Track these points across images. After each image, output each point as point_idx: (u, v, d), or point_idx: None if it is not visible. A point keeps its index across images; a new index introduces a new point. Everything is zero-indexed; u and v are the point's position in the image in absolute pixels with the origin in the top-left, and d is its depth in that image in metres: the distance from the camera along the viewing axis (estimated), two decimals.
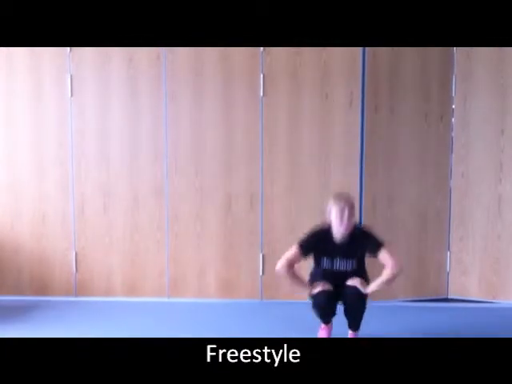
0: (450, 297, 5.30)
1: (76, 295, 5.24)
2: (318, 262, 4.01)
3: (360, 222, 4.06)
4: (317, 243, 3.95)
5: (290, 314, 4.79)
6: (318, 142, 5.01)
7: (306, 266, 4.14)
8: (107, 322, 4.63)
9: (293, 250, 3.94)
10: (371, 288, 3.85)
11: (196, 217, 5.12)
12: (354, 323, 3.97)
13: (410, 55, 5.03)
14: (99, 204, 5.15)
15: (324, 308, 3.94)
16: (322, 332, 4.09)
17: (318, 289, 3.89)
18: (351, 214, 3.82)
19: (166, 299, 5.19)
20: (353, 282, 3.85)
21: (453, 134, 5.19)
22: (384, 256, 3.83)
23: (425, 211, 5.19)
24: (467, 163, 5.16)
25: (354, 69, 4.95)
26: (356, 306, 3.87)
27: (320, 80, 4.96)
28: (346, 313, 3.95)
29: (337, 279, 3.90)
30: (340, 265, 3.91)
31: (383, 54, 4.98)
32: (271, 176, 5.05)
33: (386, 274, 3.82)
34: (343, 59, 4.94)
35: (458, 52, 5.11)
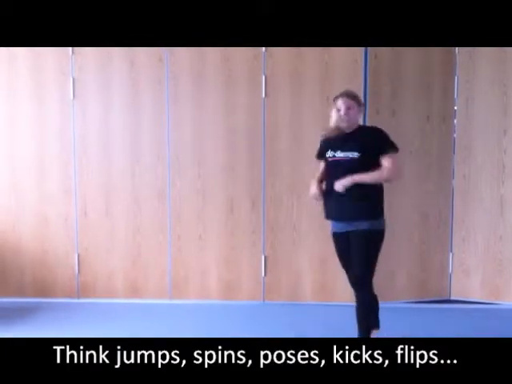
0: (452, 298, 5.29)
1: (78, 297, 5.24)
2: (325, 160, 3.92)
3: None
4: (326, 144, 3.89)
5: (292, 315, 4.79)
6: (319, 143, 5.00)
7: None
8: (109, 324, 4.63)
9: (320, 165, 3.97)
10: (355, 178, 3.63)
11: (198, 218, 5.12)
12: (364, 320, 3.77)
13: (411, 56, 5.03)
14: (101, 206, 5.16)
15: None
16: None
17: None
18: (353, 108, 3.74)
19: (168, 301, 5.19)
20: (340, 181, 3.68)
21: (455, 135, 5.19)
22: (388, 160, 3.66)
23: (427, 212, 5.19)
24: (469, 164, 5.15)
25: (355, 70, 4.95)
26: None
27: (322, 81, 4.96)
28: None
29: (338, 171, 3.73)
30: (341, 155, 3.75)
31: (385, 56, 4.98)
32: (273, 177, 5.05)
33: (378, 171, 3.65)
34: (345, 61, 4.94)
35: (460, 53, 5.10)
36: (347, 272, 3.86)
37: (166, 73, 5.02)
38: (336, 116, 3.77)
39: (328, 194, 3.82)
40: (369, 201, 3.73)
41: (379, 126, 3.81)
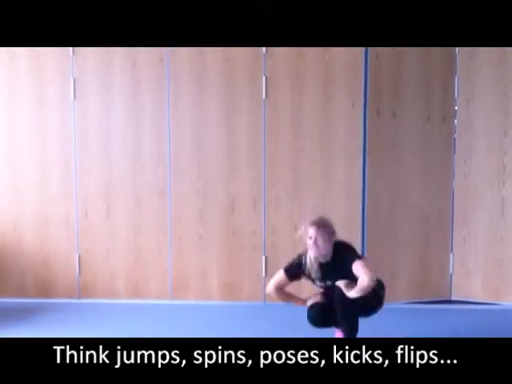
0: (452, 299, 5.28)
1: (79, 297, 5.25)
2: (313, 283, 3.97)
3: (334, 242, 3.81)
4: (302, 271, 3.88)
5: (293, 316, 4.77)
6: (320, 143, 5.01)
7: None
8: (110, 325, 4.62)
9: (280, 274, 3.92)
10: (351, 294, 3.66)
11: (199, 219, 5.13)
12: (343, 324, 3.83)
13: (412, 57, 5.03)
14: (102, 206, 5.16)
15: (316, 321, 3.91)
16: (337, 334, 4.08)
17: (311, 301, 3.91)
18: (323, 239, 3.72)
19: (168, 301, 5.20)
20: (339, 283, 3.73)
21: (455, 136, 5.19)
22: (356, 268, 3.66)
23: (428, 213, 5.19)
24: (470, 165, 5.15)
25: (356, 71, 4.95)
26: (343, 304, 3.75)
27: (322, 82, 4.96)
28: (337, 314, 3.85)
29: (332, 292, 3.81)
30: (329, 283, 3.82)
31: (385, 56, 4.98)
32: (274, 178, 5.05)
33: (359, 283, 3.63)
34: (345, 61, 4.94)
35: (460, 54, 5.10)
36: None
37: (166, 73, 5.03)
38: (311, 248, 3.76)
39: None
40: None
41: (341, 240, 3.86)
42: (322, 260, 3.80)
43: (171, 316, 4.88)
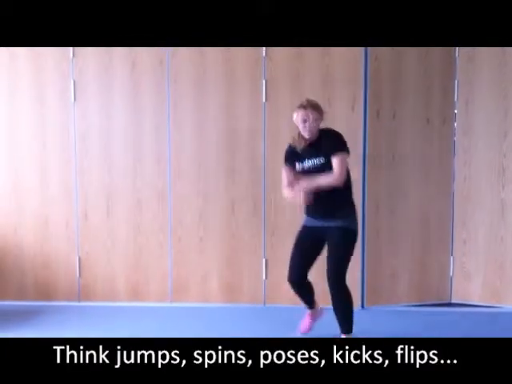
0: (453, 301, 5.28)
1: (79, 300, 5.24)
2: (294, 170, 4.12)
3: (325, 128, 4.05)
4: (292, 152, 4.10)
5: (292, 318, 4.78)
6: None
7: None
8: (110, 327, 4.62)
9: (283, 172, 4.15)
10: (305, 184, 3.92)
11: (199, 221, 5.13)
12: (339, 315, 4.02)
13: (411, 60, 5.04)
14: (102, 208, 5.17)
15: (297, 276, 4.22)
16: (304, 320, 4.36)
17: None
18: (313, 118, 3.93)
19: (168, 304, 5.19)
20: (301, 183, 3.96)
21: (455, 138, 5.19)
22: (334, 163, 3.89)
23: (427, 215, 5.19)
24: (470, 167, 5.16)
25: (356, 73, 4.96)
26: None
27: (322, 85, 4.97)
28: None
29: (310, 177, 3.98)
30: (309, 164, 4.01)
31: (385, 59, 4.99)
32: (274, 180, 5.04)
33: (324, 177, 3.89)
34: (345, 64, 4.95)
35: (459, 56, 5.11)
36: (292, 267, 4.22)
37: (166, 75, 5.03)
38: (300, 127, 3.99)
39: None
40: (342, 201, 4.02)
41: (335, 129, 4.06)
42: (310, 140, 4.00)
43: (171, 318, 4.87)
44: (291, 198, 4.06)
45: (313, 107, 3.96)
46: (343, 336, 4.03)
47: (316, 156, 3.96)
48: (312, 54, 4.94)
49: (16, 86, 5.12)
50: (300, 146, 4.03)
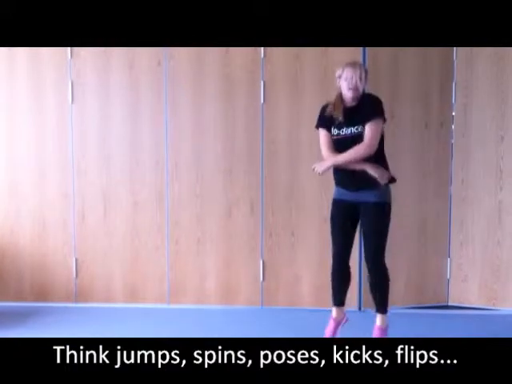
0: (450, 304, 5.29)
1: (76, 301, 5.23)
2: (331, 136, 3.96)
3: (367, 93, 3.93)
4: (327, 118, 3.94)
5: (290, 320, 4.78)
6: (318, 147, 5.00)
7: None
8: (107, 329, 4.61)
9: (321, 135, 3.99)
10: (332, 161, 3.87)
11: (196, 223, 5.12)
12: (378, 297, 3.99)
13: (410, 62, 5.05)
14: (100, 210, 5.16)
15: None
16: (329, 325, 4.14)
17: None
18: (361, 79, 3.77)
19: (166, 305, 5.18)
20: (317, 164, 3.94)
21: (453, 141, 5.21)
22: (367, 130, 3.75)
23: (425, 218, 5.20)
24: (467, 170, 5.17)
25: None
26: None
27: (320, 86, 4.97)
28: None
29: (345, 146, 3.83)
30: (345, 133, 3.84)
31: (383, 61, 5.01)
32: (272, 182, 5.06)
33: (353, 150, 3.78)
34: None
35: (458, 59, 5.13)
36: (338, 252, 4.02)
37: (164, 77, 5.03)
38: (344, 85, 3.81)
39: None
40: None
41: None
42: (349, 104, 3.85)
43: (168, 320, 4.86)
44: (323, 169, 3.94)
45: (365, 68, 3.85)
46: (379, 317, 3.99)
47: (354, 124, 3.79)
48: (310, 56, 4.95)
49: (14, 88, 5.11)
50: (337, 112, 3.85)
